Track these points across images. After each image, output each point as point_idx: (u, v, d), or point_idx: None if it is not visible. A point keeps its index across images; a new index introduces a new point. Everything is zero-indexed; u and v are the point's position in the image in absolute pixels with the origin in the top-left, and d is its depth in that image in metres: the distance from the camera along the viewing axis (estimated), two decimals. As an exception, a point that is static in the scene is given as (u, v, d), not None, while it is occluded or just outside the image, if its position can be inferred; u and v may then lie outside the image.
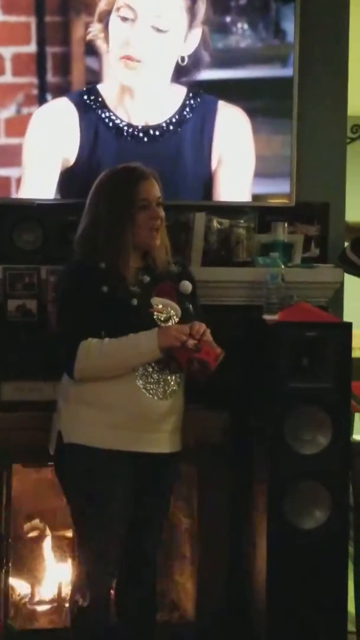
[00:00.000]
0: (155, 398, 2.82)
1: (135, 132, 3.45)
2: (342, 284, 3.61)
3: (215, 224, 3.54)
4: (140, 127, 3.46)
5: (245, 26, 3.51)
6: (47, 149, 3.43)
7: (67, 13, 3.41)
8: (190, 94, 3.48)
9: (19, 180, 3.44)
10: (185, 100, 3.48)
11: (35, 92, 3.42)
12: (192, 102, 3.48)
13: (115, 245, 2.83)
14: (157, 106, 3.47)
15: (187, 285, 2.93)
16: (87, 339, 2.77)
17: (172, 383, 2.85)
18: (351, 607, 3.42)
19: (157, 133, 3.46)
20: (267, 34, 3.53)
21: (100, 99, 3.43)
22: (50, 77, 3.42)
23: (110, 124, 3.44)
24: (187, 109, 3.48)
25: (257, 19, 3.51)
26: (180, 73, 3.46)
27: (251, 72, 3.53)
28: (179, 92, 3.49)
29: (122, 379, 2.79)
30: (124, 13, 3.38)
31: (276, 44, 3.55)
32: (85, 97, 3.43)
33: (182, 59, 3.45)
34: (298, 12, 3.55)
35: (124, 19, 3.38)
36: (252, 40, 3.51)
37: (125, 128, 3.45)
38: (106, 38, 3.40)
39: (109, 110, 3.44)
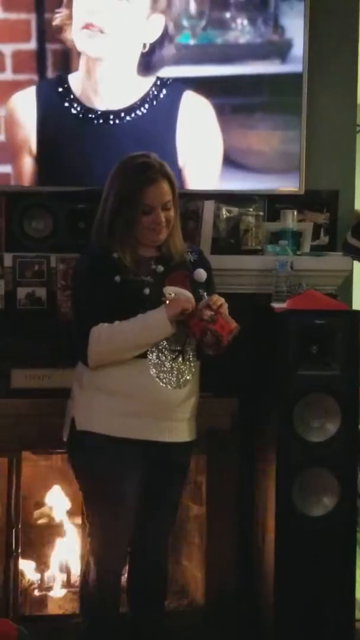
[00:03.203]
0: (169, 387, 2.82)
1: (96, 117, 3.44)
2: (351, 271, 3.61)
3: (224, 212, 3.54)
4: (100, 112, 3.44)
5: (245, 22, 3.50)
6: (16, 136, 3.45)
7: (67, 10, 3.41)
8: (158, 82, 3.46)
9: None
10: (149, 90, 3.46)
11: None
12: (156, 92, 3.46)
13: (119, 241, 2.84)
14: (121, 94, 3.46)
15: (201, 273, 2.92)
16: (98, 324, 2.78)
17: (186, 372, 2.85)
18: (359, 594, 3.43)
19: (117, 121, 3.44)
20: (266, 30, 3.52)
21: (66, 85, 3.42)
22: (50, 74, 3.43)
23: (72, 109, 3.43)
24: (150, 98, 3.46)
25: (256, 15, 3.50)
26: (146, 64, 3.44)
27: (251, 69, 3.52)
28: (145, 83, 3.47)
29: (136, 368, 2.80)
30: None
31: (275, 40, 3.54)
32: (54, 84, 3.43)
33: (144, 45, 3.43)
34: (308, 3, 3.54)
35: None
36: (251, 36, 3.50)
37: (86, 113, 3.44)
38: (70, 16, 3.38)
39: (74, 95, 3.43)
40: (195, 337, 2.80)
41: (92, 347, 2.78)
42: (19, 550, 3.42)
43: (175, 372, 2.83)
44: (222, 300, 2.81)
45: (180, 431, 2.88)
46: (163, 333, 2.78)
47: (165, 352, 2.81)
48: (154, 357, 2.80)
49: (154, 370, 2.80)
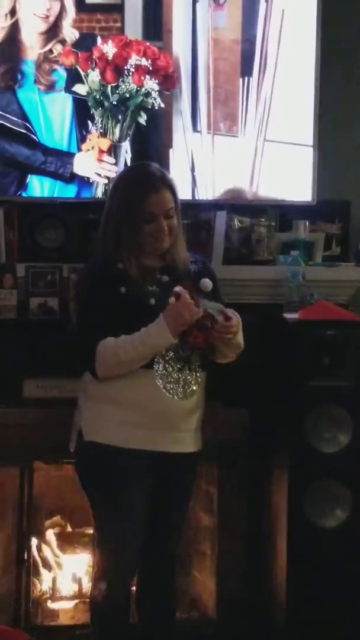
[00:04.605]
0: (176, 398, 2.82)
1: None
2: (363, 282, 3.61)
3: (236, 222, 3.55)
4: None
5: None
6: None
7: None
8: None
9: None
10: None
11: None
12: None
13: (124, 251, 2.84)
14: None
15: (207, 283, 2.91)
16: (104, 339, 2.78)
17: (193, 382, 2.85)
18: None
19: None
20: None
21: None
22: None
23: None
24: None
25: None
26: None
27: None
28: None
29: (142, 379, 2.80)
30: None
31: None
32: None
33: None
34: (320, 6, 3.54)
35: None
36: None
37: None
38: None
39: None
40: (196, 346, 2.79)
41: (99, 363, 2.79)
42: (31, 560, 3.42)
43: (182, 383, 2.83)
44: (234, 324, 2.79)
45: (187, 442, 2.88)
46: (166, 344, 2.78)
47: (172, 363, 2.81)
48: (161, 368, 2.80)
49: (161, 381, 2.80)
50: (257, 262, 3.53)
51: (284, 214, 3.63)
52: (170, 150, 3.52)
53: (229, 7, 3.52)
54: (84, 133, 3.47)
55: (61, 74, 3.44)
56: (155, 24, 3.47)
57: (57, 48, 3.42)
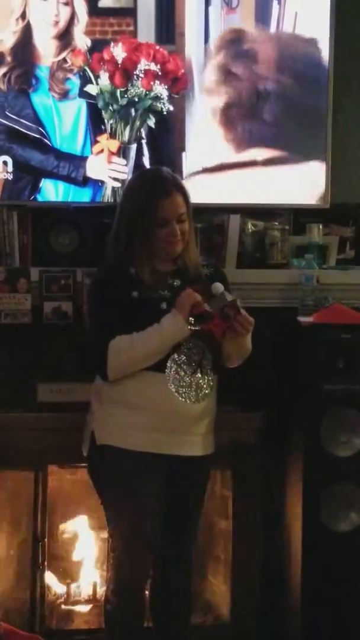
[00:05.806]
0: (188, 401, 2.82)
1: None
2: (377, 285, 3.60)
3: (249, 226, 3.55)
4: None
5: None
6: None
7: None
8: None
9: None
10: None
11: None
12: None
13: (136, 255, 2.84)
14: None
15: (218, 287, 2.90)
16: (116, 337, 2.79)
17: (205, 386, 2.85)
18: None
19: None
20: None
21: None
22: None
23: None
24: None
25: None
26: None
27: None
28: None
29: (154, 383, 2.80)
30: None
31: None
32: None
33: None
34: (333, 6, 3.53)
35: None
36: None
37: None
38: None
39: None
40: (217, 336, 2.78)
41: (112, 361, 2.79)
42: (45, 564, 3.43)
43: (194, 387, 2.83)
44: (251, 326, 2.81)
45: (198, 445, 2.88)
46: (181, 335, 2.78)
47: (184, 367, 2.81)
48: (173, 372, 2.80)
49: (173, 385, 2.80)
50: (270, 266, 3.53)
51: (297, 217, 3.62)
52: (183, 154, 3.52)
53: (242, 10, 3.52)
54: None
55: (75, 82, 3.44)
56: (168, 27, 3.48)
57: (71, 57, 3.43)
